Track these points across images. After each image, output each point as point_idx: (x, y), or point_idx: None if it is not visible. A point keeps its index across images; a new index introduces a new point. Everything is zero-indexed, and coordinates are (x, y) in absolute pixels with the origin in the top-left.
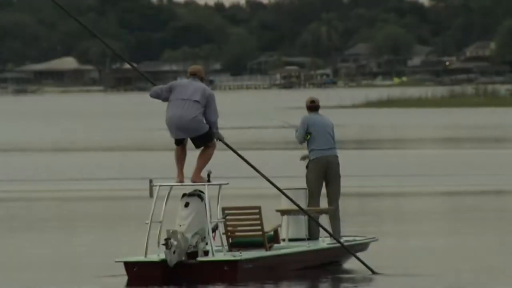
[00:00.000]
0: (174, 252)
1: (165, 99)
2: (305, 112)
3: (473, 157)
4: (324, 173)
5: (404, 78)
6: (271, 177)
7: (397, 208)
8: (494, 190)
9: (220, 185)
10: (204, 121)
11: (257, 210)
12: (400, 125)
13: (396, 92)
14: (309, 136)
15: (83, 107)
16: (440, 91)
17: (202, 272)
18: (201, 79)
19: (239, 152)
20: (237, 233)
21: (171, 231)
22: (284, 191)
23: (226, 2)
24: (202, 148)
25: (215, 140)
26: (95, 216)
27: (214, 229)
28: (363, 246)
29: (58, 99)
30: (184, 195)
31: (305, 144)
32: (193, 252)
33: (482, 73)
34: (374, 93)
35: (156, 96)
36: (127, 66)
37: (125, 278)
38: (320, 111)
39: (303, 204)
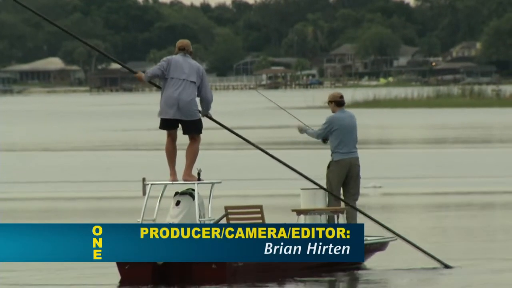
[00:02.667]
0: None
1: (164, 78)
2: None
3: (458, 157)
4: (345, 175)
5: (390, 78)
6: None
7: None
8: (480, 191)
9: (212, 183)
10: (197, 108)
11: (258, 209)
12: (386, 125)
13: (382, 92)
14: (329, 136)
15: (68, 108)
16: (426, 91)
17: (191, 270)
18: (190, 54)
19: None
20: None
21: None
22: (303, 191)
23: (212, 3)
24: (189, 143)
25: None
26: (86, 213)
27: None
28: (381, 246)
29: (44, 100)
30: (176, 193)
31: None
32: None
33: (468, 73)
34: (360, 94)
35: (155, 75)
36: (113, 66)
37: (118, 277)
38: (306, 112)
39: (323, 205)
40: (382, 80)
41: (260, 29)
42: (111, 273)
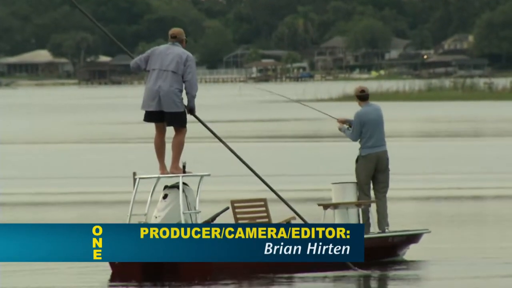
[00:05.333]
0: None
1: (146, 69)
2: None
3: (450, 150)
4: (373, 169)
5: (382, 71)
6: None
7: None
8: (470, 187)
9: (201, 176)
10: (182, 100)
11: (262, 203)
12: None
13: (374, 85)
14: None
15: (57, 101)
16: (418, 84)
17: (177, 264)
18: (182, 42)
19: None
20: None
21: (141, 222)
22: (334, 185)
23: None
24: (174, 135)
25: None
26: (74, 208)
27: (209, 222)
28: (414, 238)
29: (32, 93)
30: (166, 187)
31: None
32: None
33: (460, 66)
34: (351, 87)
35: (137, 67)
36: (101, 59)
37: (109, 273)
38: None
39: (353, 198)
40: (374, 73)
41: (251, 21)
42: (102, 270)
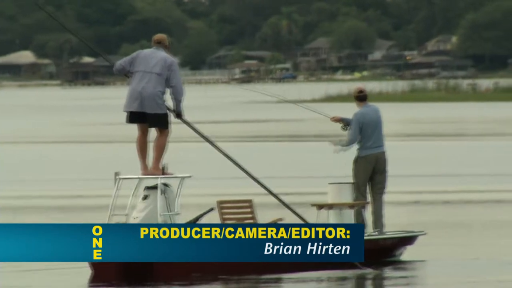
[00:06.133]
0: None
1: (130, 72)
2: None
3: (434, 151)
4: (371, 169)
5: (365, 72)
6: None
7: None
8: (455, 191)
9: (182, 177)
10: (164, 102)
11: (248, 204)
12: None
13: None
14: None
15: (41, 102)
16: (401, 85)
17: (152, 264)
18: (165, 47)
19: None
20: None
21: (121, 223)
22: (331, 185)
23: None
24: (156, 136)
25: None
26: (56, 209)
27: (192, 223)
28: (409, 240)
29: (15, 93)
30: (146, 188)
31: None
32: None
33: (443, 67)
34: (335, 88)
35: (121, 69)
36: (85, 60)
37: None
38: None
39: (350, 199)
40: (357, 74)
41: (234, 22)
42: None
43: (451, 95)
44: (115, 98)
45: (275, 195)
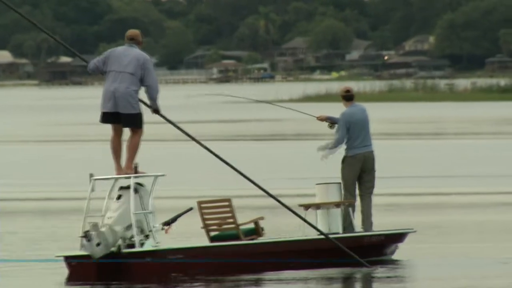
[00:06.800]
0: (98, 245)
1: (103, 72)
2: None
3: (410, 151)
4: (359, 169)
5: (342, 72)
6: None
7: None
8: (432, 192)
9: (155, 176)
10: (138, 101)
11: (227, 203)
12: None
13: (334, 86)
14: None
15: (17, 101)
16: (379, 85)
17: (128, 264)
18: (139, 44)
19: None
20: (211, 227)
21: (92, 223)
22: (318, 186)
23: None
24: (129, 136)
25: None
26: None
27: (169, 222)
28: (399, 237)
29: None
30: (120, 188)
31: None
32: (132, 245)
33: (421, 67)
34: (312, 88)
35: (95, 68)
36: (62, 60)
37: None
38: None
39: (338, 198)
40: (334, 74)
41: (211, 22)
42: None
43: (429, 95)
44: (92, 97)
45: (273, 196)
